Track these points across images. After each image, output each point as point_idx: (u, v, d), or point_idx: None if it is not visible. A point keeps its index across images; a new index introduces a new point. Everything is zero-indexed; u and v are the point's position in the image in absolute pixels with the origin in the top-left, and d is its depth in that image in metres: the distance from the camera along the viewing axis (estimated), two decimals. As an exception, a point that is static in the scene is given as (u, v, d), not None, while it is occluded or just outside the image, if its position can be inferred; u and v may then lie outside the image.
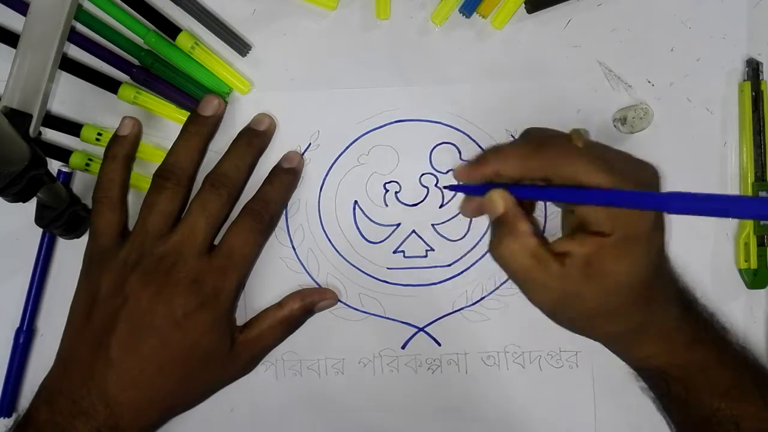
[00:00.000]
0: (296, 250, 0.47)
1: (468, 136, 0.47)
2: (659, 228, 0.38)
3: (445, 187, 0.47)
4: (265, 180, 0.46)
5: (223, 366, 0.44)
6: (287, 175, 0.46)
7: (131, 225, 0.45)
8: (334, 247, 0.47)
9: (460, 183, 0.42)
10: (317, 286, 0.47)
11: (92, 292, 0.42)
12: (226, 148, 0.45)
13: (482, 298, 0.47)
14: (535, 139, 0.40)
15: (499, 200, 0.38)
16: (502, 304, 0.47)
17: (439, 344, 0.47)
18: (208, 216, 0.43)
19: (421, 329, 0.47)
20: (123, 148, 0.45)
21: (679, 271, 0.43)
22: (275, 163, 0.46)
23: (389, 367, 0.47)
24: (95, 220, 0.44)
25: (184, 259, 0.42)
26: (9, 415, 0.47)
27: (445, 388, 0.47)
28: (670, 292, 0.40)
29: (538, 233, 0.38)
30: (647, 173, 0.38)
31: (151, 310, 0.41)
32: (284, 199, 0.46)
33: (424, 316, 0.47)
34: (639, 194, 0.35)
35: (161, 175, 0.44)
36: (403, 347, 0.48)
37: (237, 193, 0.45)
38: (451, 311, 0.47)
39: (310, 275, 0.47)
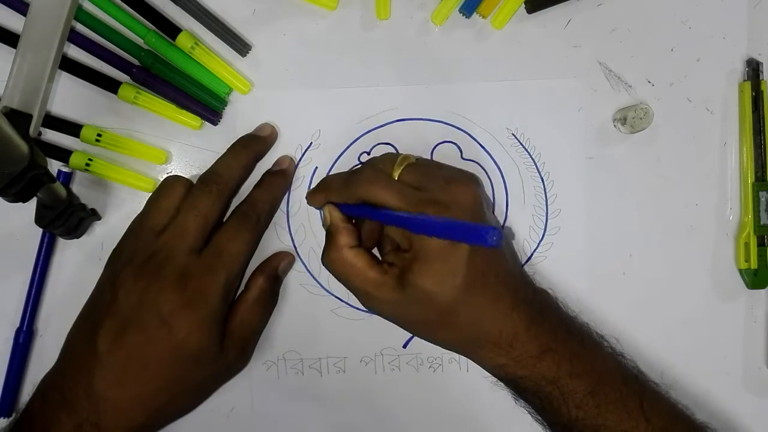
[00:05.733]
0: (298, 250, 0.47)
1: (469, 134, 0.47)
2: (459, 245, 0.39)
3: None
4: (255, 184, 0.46)
5: (215, 366, 0.43)
6: (275, 176, 0.46)
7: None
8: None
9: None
10: (269, 257, 0.47)
11: (101, 285, 0.43)
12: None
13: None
14: (351, 171, 0.44)
15: (327, 215, 0.43)
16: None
17: (440, 343, 0.48)
18: (197, 214, 0.42)
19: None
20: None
21: (525, 280, 0.44)
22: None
23: (390, 366, 0.48)
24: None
25: (173, 255, 0.42)
26: (9, 415, 0.47)
27: (446, 387, 0.48)
28: (505, 304, 0.41)
29: (363, 246, 0.43)
30: (458, 198, 0.40)
31: (139, 305, 0.41)
32: (273, 198, 0.46)
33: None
34: (389, 214, 0.40)
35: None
36: (405, 346, 0.48)
37: (229, 192, 0.44)
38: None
39: (311, 274, 0.47)
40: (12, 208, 0.42)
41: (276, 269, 0.46)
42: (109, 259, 0.44)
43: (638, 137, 0.47)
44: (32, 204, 0.42)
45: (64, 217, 0.44)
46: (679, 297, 0.48)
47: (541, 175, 0.47)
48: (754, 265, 0.47)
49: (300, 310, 0.47)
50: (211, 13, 0.46)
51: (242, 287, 0.45)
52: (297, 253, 0.47)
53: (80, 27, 0.46)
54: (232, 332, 0.43)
